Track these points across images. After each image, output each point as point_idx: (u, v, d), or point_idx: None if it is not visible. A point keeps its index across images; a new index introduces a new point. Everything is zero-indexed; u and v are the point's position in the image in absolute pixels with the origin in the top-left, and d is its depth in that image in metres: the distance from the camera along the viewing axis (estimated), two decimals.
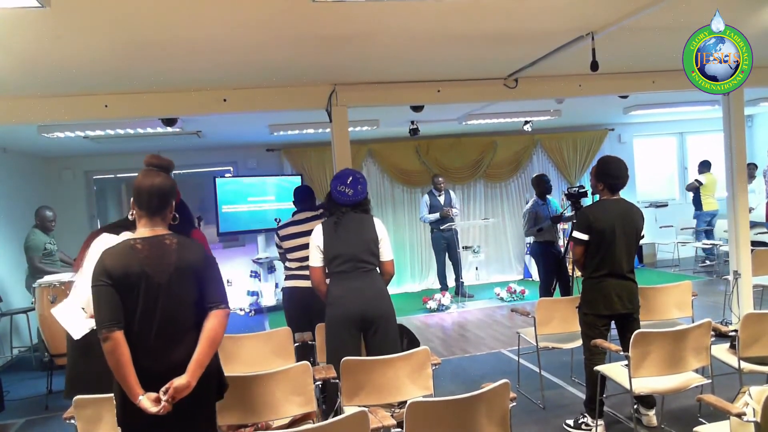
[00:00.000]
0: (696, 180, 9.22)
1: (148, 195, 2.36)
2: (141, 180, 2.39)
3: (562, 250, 6.51)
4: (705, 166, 9.19)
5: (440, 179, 8.35)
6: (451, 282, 8.55)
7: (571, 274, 6.50)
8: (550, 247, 6.52)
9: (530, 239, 7.39)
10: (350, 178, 3.62)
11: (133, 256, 2.28)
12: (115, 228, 3.20)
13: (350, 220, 3.58)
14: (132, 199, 2.41)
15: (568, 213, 6.23)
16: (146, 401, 2.20)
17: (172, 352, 2.30)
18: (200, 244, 2.48)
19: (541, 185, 6.64)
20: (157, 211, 2.38)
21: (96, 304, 2.25)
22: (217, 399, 2.52)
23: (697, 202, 9.24)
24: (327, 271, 3.63)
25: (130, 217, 2.43)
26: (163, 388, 2.21)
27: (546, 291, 6.49)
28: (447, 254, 8.32)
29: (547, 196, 6.68)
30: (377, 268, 3.62)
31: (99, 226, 4.22)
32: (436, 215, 8.17)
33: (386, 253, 3.63)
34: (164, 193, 2.39)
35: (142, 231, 2.37)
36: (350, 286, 3.52)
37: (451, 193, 8.52)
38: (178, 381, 2.23)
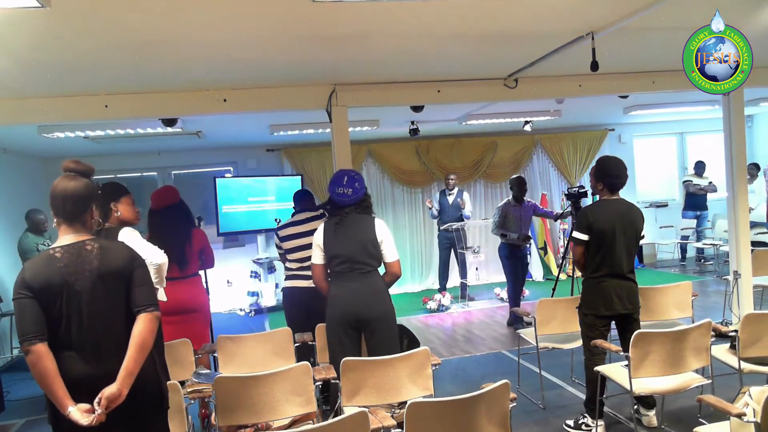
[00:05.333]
0: (711, 182, 9.27)
1: (62, 200, 2.29)
2: (55, 185, 2.31)
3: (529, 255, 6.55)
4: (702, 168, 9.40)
5: (451, 177, 8.21)
6: (454, 282, 8.55)
7: (570, 274, 6.50)
8: (516, 251, 6.52)
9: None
10: (345, 179, 3.61)
11: (53, 266, 2.23)
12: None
13: (352, 221, 3.58)
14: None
15: (567, 211, 6.23)
16: (76, 413, 2.13)
17: (105, 360, 2.24)
18: (126, 247, 2.42)
19: (519, 187, 6.54)
20: (73, 216, 2.31)
21: (18, 317, 2.21)
22: (160, 408, 2.45)
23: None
24: (328, 269, 3.64)
25: (53, 225, 2.39)
26: (96, 399, 2.15)
27: (515, 298, 6.55)
28: (451, 254, 8.29)
29: (527, 200, 6.64)
30: (377, 270, 3.62)
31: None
32: (434, 213, 8.20)
33: (390, 254, 3.62)
34: (79, 197, 2.31)
35: (64, 238, 2.31)
36: (347, 286, 3.53)
37: (464, 192, 8.41)
38: (109, 390, 2.16)
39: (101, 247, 2.32)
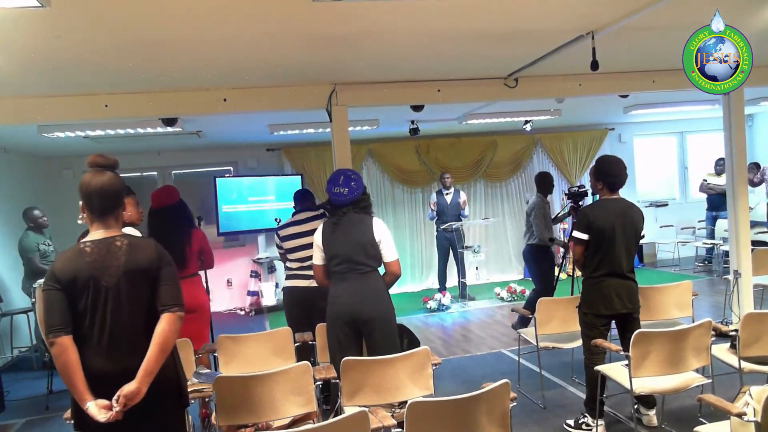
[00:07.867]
0: None
1: (100, 196, 2.29)
2: (89, 181, 2.30)
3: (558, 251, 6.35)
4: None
5: (447, 177, 8.27)
6: (453, 282, 8.54)
7: (571, 273, 6.48)
8: (544, 252, 6.15)
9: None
10: (342, 178, 3.61)
11: (82, 260, 2.24)
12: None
13: (349, 221, 3.57)
14: (81, 202, 2.32)
15: (565, 212, 6.16)
16: (94, 408, 2.13)
17: (126, 356, 2.23)
18: (154, 245, 2.39)
19: (547, 184, 6.18)
20: (109, 211, 2.32)
21: (45, 309, 2.22)
22: (180, 407, 2.46)
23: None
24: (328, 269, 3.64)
25: (79, 221, 2.38)
26: (115, 396, 2.15)
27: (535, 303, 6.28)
28: (451, 254, 8.30)
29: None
30: (377, 270, 3.61)
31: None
32: (433, 214, 8.18)
33: (389, 254, 3.60)
34: (115, 191, 2.32)
35: (95, 233, 2.31)
36: (345, 286, 3.53)
37: (461, 191, 8.44)
38: (128, 388, 2.16)
39: (130, 243, 2.32)
